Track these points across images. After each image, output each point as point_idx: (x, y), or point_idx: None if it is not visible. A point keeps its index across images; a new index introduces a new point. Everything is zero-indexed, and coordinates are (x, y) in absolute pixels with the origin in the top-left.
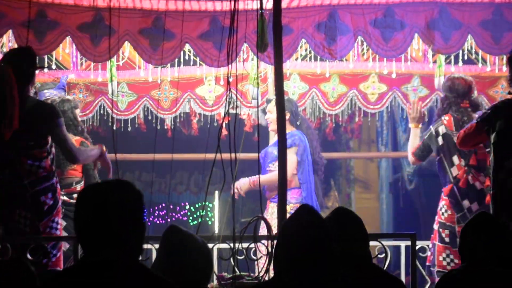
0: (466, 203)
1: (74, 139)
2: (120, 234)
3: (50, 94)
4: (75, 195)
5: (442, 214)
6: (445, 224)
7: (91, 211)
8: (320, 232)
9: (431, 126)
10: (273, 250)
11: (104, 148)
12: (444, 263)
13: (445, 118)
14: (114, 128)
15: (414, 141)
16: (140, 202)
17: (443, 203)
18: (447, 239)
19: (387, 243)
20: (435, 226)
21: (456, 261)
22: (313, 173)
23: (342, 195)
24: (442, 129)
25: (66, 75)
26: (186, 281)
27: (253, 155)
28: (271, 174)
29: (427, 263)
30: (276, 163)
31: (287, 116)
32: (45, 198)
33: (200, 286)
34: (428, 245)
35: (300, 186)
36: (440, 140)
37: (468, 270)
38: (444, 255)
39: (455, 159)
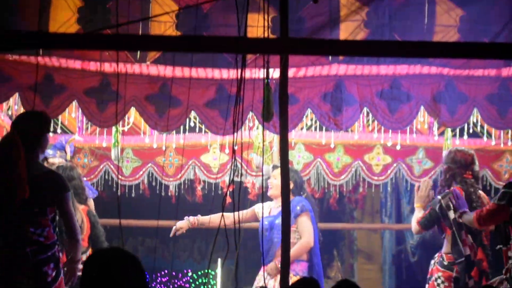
0: (471, 282)
1: (80, 208)
2: None
3: (50, 155)
4: (80, 266)
5: (438, 285)
6: None
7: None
8: None
9: (439, 197)
10: None
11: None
12: None
13: (456, 191)
14: (119, 193)
15: (414, 221)
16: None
17: (439, 274)
18: None
19: None
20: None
21: None
22: None
23: (345, 265)
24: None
25: (67, 136)
26: None
27: (257, 224)
28: (295, 249)
29: None
30: (292, 233)
31: (291, 186)
32: (47, 268)
33: None
34: None
35: (306, 259)
36: (451, 214)
37: None
38: None
39: (463, 234)
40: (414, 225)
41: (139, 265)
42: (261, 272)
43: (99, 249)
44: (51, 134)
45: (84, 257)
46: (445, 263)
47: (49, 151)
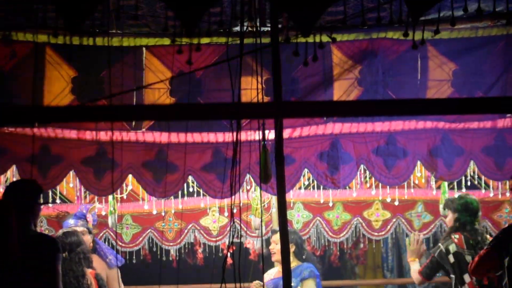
0: None
1: (88, 272)
2: None
3: (71, 224)
4: None
5: None
6: None
7: None
8: None
9: (439, 244)
10: None
11: None
12: None
13: (455, 236)
14: (119, 264)
15: (415, 274)
16: None
17: None
18: None
19: None
20: None
21: None
22: None
23: None
24: (452, 248)
25: (88, 205)
26: None
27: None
28: None
29: None
30: None
31: (293, 248)
32: None
33: None
34: None
35: None
36: (451, 258)
37: None
38: None
39: (466, 277)
40: (416, 277)
41: None
42: None
43: None
44: (50, 205)
45: None
46: None
47: (70, 221)
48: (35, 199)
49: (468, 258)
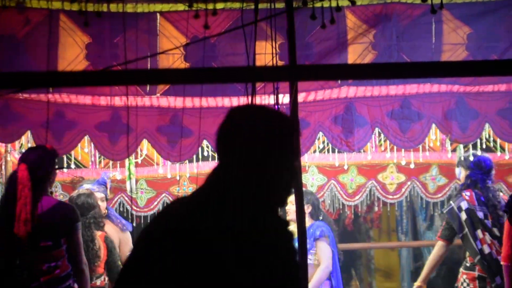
0: (498, 279)
1: (98, 235)
2: None
3: (94, 190)
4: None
5: None
6: None
7: None
8: None
9: (451, 202)
10: None
11: None
12: None
13: (466, 193)
14: (134, 224)
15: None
16: None
17: (464, 277)
18: None
19: None
20: None
21: None
22: None
23: (364, 284)
24: (464, 205)
25: (109, 172)
26: None
27: None
28: (316, 276)
29: None
30: (312, 255)
31: (309, 208)
32: None
33: None
34: None
35: (330, 278)
36: (463, 215)
37: None
38: None
39: (479, 233)
40: (438, 245)
41: None
42: None
43: None
44: (65, 170)
45: (98, 282)
46: (468, 264)
47: (93, 186)
48: (52, 165)
49: (480, 214)
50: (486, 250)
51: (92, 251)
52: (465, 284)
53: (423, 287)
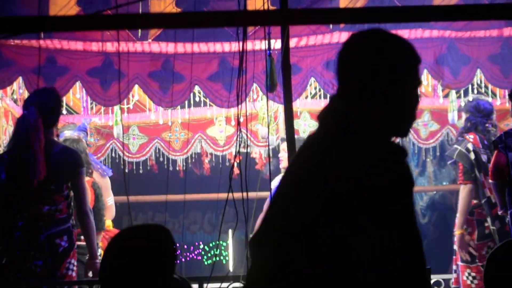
0: (497, 224)
1: (86, 180)
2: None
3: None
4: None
5: (465, 229)
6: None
7: (121, 259)
8: None
9: (456, 146)
10: None
11: (97, 259)
12: (468, 282)
13: (470, 136)
14: (126, 171)
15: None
16: (174, 252)
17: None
18: (468, 258)
19: None
20: (455, 247)
21: (478, 277)
22: None
23: None
24: (470, 146)
25: (89, 118)
26: None
27: (265, 194)
28: None
29: (454, 286)
30: None
31: None
32: (60, 240)
33: None
34: (443, 279)
35: None
36: (472, 155)
37: None
38: (466, 273)
39: (481, 176)
40: (464, 189)
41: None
42: None
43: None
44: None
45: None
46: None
47: (74, 133)
48: (60, 106)
49: (484, 157)
50: (487, 193)
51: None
52: (465, 226)
53: (463, 232)
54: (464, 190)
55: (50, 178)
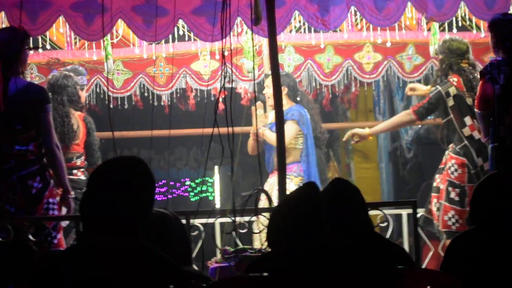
0: (479, 160)
1: (76, 114)
2: (129, 217)
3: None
4: (74, 171)
5: (452, 173)
6: (454, 183)
7: (102, 191)
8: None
9: (438, 87)
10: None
11: (70, 194)
12: (449, 223)
13: (454, 79)
14: (111, 106)
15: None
16: (153, 183)
17: (453, 162)
18: (456, 199)
19: (388, 211)
20: (442, 185)
21: (460, 221)
22: (316, 148)
23: (342, 165)
24: (452, 90)
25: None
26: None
27: (250, 128)
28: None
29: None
30: None
31: (285, 90)
32: (32, 182)
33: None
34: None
35: (300, 160)
36: (450, 100)
37: (479, 232)
38: (449, 215)
39: (467, 120)
40: (409, 113)
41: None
42: (269, 180)
43: (118, 158)
44: (40, 51)
45: (78, 162)
46: (457, 149)
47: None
48: (21, 45)
49: (469, 100)
50: (476, 136)
51: (68, 126)
52: (452, 169)
53: (371, 135)
54: (405, 116)
55: (14, 117)
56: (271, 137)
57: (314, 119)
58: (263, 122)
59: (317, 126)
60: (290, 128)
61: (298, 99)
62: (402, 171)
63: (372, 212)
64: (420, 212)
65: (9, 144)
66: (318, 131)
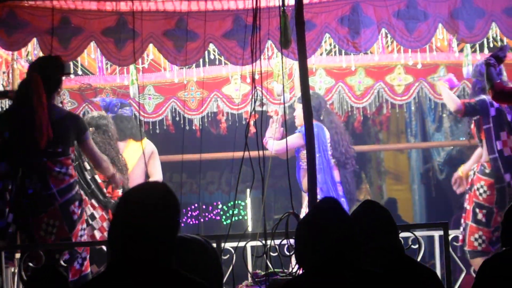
0: (508, 176)
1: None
2: (157, 240)
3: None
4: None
5: (480, 194)
6: (482, 204)
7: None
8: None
9: (483, 95)
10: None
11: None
12: (476, 244)
13: None
14: (143, 130)
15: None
16: (178, 206)
17: (482, 183)
18: (483, 220)
19: (420, 233)
20: (468, 206)
21: (486, 242)
22: (339, 167)
23: (374, 187)
24: (495, 103)
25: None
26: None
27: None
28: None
29: (460, 243)
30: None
31: None
32: (73, 207)
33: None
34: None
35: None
36: (493, 111)
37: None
38: (476, 236)
39: (503, 134)
40: (458, 104)
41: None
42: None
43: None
44: (72, 76)
45: (120, 192)
46: (487, 171)
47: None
48: (60, 73)
49: (509, 116)
50: (507, 152)
51: (122, 162)
52: (481, 190)
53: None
54: (457, 104)
55: (57, 141)
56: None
57: (334, 138)
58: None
59: (337, 145)
60: (291, 138)
61: (322, 118)
62: (434, 192)
63: (403, 234)
64: (452, 234)
65: (49, 165)
66: (341, 148)
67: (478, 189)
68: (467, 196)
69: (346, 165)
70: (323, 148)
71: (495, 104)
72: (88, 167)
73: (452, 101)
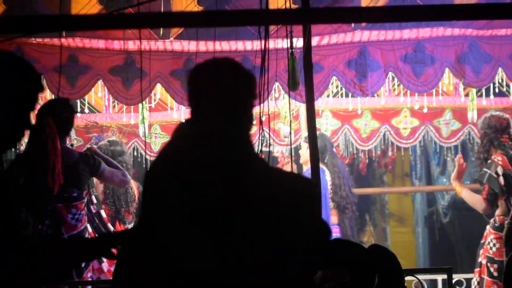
0: None
1: (133, 181)
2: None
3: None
4: None
5: (491, 248)
6: (493, 258)
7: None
8: None
9: (485, 169)
10: None
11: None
12: None
13: (498, 158)
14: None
15: (471, 195)
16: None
17: (492, 237)
18: (495, 274)
19: (423, 277)
20: (483, 261)
21: None
22: (339, 211)
23: (378, 229)
24: (500, 170)
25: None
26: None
27: None
28: None
29: None
30: None
31: None
32: None
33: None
34: (464, 278)
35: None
36: (501, 180)
37: None
38: None
39: None
40: (481, 203)
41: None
42: None
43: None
44: (78, 114)
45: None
46: (497, 224)
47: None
48: (72, 116)
49: None
50: None
51: (132, 195)
52: (491, 244)
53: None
54: (480, 204)
55: (72, 185)
56: None
57: (335, 182)
58: None
59: (338, 189)
60: None
61: (326, 161)
62: (438, 236)
63: (407, 278)
64: (456, 278)
65: (63, 213)
66: (342, 192)
67: (489, 242)
68: (481, 251)
69: (345, 210)
70: (323, 191)
71: (500, 171)
72: (95, 200)
73: (477, 205)
